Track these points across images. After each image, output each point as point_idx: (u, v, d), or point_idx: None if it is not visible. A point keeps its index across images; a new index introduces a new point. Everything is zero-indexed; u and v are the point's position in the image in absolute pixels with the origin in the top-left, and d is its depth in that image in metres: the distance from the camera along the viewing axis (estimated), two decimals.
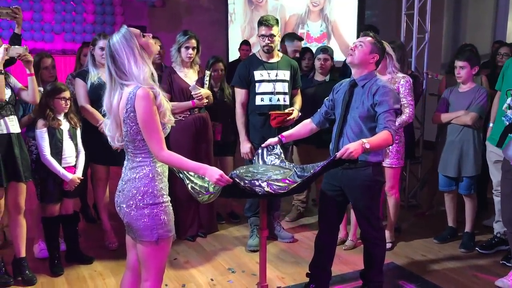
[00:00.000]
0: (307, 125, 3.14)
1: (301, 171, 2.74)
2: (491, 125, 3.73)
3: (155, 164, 2.18)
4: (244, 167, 2.90)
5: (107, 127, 2.25)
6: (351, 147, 2.50)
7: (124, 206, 2.18)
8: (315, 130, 3.15)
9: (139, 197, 2.15)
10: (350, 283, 3.33)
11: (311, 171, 2.62)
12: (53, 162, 3.33)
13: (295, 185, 2.45)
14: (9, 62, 3.30)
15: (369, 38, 2.87)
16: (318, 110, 3.15)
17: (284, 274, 3.47)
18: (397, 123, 3.68)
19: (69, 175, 3.37)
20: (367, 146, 2.55)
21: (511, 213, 3.21)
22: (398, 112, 2.84)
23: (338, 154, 2.51)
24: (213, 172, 2.15)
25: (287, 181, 2.53)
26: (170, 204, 2.24)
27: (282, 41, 4.96)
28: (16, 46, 3.23)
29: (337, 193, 2.99)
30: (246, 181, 2.42)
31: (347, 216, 3.97)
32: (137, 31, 2.20)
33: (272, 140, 2.99)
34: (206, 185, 2.44)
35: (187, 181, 2.45)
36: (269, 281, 3.27)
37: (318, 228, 3.14)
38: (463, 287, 3.29)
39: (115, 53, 2.12)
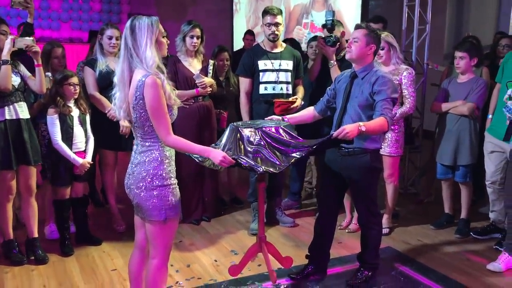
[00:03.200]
0: (310, 112, 3.28)
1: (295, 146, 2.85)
2: (490, 116, 3.81)
3: (164, 148, 2.31)
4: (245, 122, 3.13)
5: (116, 96, 2.33)
6: (347, 128, 2.65)
7: (134, 187, 2.32)
8: (318, 117, 3.28)
9: (149, 179, 2.28)
10: (348, 265, 3.46)
11: (306, 148, 2.75)
12: (64, 147, 3.47)
13: (291, 160, 2.70)
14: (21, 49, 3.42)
15: (363, 31, 2.95)
16: (321, 98, 3.27)
17: (284, 256, 3.60)
18: (398, 114, 3.81)
19: (80, 160, 3.51)
20: (363, 128, 2.69)
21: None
22: (395, 101, 2.96)
23: (335, 134, 2.66)
24: (217, 154, 2.34)
25: (280, 135, 2.80)
26: (177, 187, 2.37)
27: None
28: (24, 37, 3.32)
29: (336, 179, 3.12)
30: (244, 160, 2.64)
31: (351, 202, 4.12)
32: (163, 29, 2.34)
33: (275, 117, 3.16)
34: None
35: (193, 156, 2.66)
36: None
37: (318, 212, 3.27)
38: (456, 270, 3.41)
39: (137, 29, 2.24)
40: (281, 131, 2.83)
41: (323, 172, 3.23)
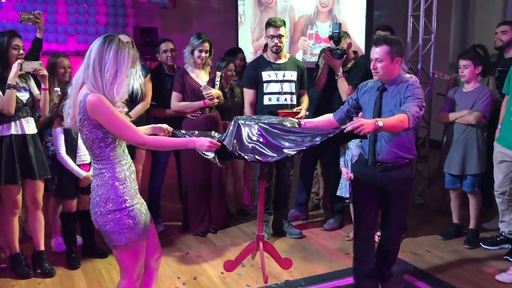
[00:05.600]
0: (329, 118, 3.15)
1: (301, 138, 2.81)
2: (499, 126, 3.79)
3: (115, 170, 2.22)
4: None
5: (66, 102, 2.26)
6: (363, 121, 2.46)
7: (92, 213, 2.27)
8: (336, 125, 3.15)
9: (102, 204, 2.22)
10: None
11: (311, 141, 2.70)
12: (68, 160, 3.48)
13: (289, 152, 2.69)
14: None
15: (384, 48, 2.78)
16: (341, 107, 3.19)
17: (292, 268, 3.55)
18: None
19: (83, 173, 3.51)
20: (380, 123, 2.49)
21: None
22: (423, 107, 2.73)
23: (349, 127, 2.44)
24: (203, 141, 2.28)
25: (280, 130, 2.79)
26: (137, 207, 2.27)
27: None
28: (31, 61, 3.33)
29: (374, 197, 2.95)
30: (233, 148, 2.70)
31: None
32: (136, 57, 2.28)
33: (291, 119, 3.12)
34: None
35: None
36: (277, 275, 3.43)
37: (356, 235, 3.10)
38: (466, 281, 3.37)
39: (106, 55, 2.16)
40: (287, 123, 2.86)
41: (355, 190, 3.12)
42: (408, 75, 3.90)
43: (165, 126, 2.63)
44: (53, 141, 3.52)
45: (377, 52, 2.79)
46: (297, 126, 2.96)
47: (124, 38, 3.82)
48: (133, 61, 2.24)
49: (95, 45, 2.20)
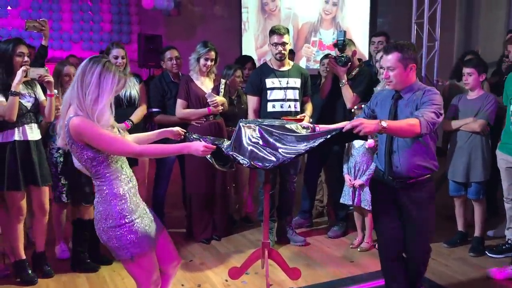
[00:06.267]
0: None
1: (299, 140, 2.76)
2: None
3: (112, 186, 2.22)
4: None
5: (58, 124, 2.26)
6: (365, 121, 2.34)
7: (96, 229, 2.29)
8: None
9: (103, 221, 2.23)
10: (360, 284, 3.42)
11: (309, 143, 2.64)
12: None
13: (286, 156, 2.65)
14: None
15: (395, 55, 2.61)
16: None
17: None
18: None
19: None
20: (384, 124, 2.33)
21: None
22: (439, 114, 2.53)
23: (348, 126, 2.35)
24: (197, 146, 2.25)
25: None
26: (139, 221, 2.26)
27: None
28: (37, 68, 3.36)
29: (396, 216, 2.77)
30: (228, 150, 2.67)
31: (362, 221, 4.10)
32: (122, 82, 2.22)
33: (305, 124, 3.03)
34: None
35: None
36: (282, 283, 3.41)
37: (383, 256, 2.91)
38: None
39: (89, 77, 2.14)
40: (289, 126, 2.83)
41: (374, 209, 2.94)
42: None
43: (176, 129, 2.59)
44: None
45: (388, 60, 2.63)
46: (300, 128, 2.88)
47: (118, 52, 3.84)
48: (118, 86, 2.19)
49: (81, 65, 2.20)
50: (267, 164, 2.67)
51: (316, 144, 2.60)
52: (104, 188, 2.23)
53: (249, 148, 2.75)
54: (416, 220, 2.70)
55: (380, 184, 2.81)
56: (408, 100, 2.65)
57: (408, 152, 2.63)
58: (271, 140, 2.76)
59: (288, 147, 2.71)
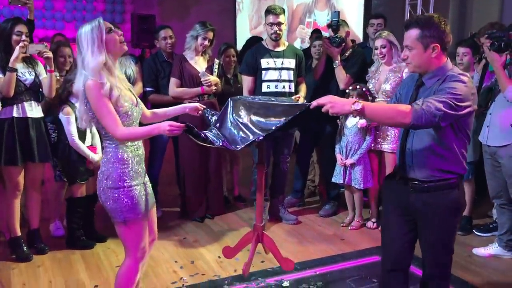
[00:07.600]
0: None
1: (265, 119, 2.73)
2: None
3: (118, 150, 2.30)
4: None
5: (77, 108, 2.37)
6: (336, 100, 2.04)
7: (97, 188, 2.37)
8: None
9: (104, 181, 2.31)
10: (350, 261, 3.50)
11: (277, 122, 2.63)
12: (81, 145, 3.54)
13: (255, 137, 2.63)
14: None
15: (414, 32, 2.17)
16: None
17: (288, 253, 3.61)
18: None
19: (96, 156, 3.57)
20: (357, 106, 1.97)
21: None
22: (452, 104, 2.03)
23: (314, 103, 2.10)
24: (163, 126, 2.24)
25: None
26: (138, 188, 2.34)
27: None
28: (37, 44, 3.37)
29: (409, 227, 2.34)
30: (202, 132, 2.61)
31: (353, 200, 4.18)
32: (107, 25, 2.28)
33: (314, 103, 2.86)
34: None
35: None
36: (273, 259, 3.45)
37: (385, 268, 2.49)
38: (459, 267, 3.41)
39: (80, 42, 2.25)
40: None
41: (386, 217, 2.48)
42: (404, 63, 3.86)
43: (195, 104, 2.73)
44: (63, 128, 3.54)
45: (406, 37, 2.22)
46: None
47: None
48: (95, 31, 2.21)
49: (76, 39, 2.27)
50: (234, 146, 2.66)
51: (285, 123, 2.58)
52: (110, 150, 2.31)
53: (231, 125, 2.76)
54: (436, 230, 2.26)
55: (392, 184, 2.41)
56: (430, 88, 2.19)
57: (424, 151, 2.21)
58: (253, 118, 2.75)
59: (261, 120, 2.70)
